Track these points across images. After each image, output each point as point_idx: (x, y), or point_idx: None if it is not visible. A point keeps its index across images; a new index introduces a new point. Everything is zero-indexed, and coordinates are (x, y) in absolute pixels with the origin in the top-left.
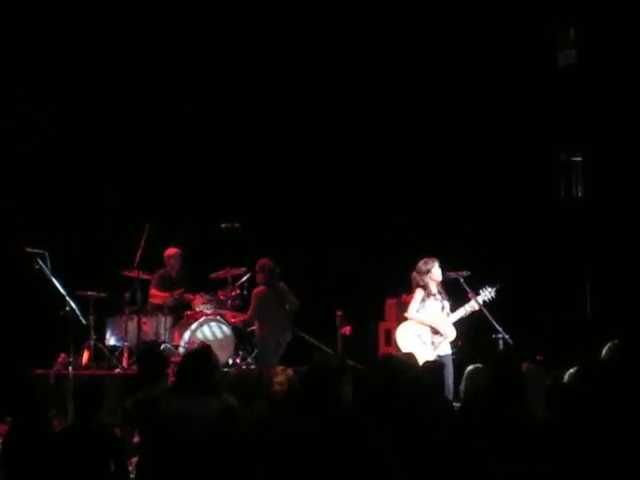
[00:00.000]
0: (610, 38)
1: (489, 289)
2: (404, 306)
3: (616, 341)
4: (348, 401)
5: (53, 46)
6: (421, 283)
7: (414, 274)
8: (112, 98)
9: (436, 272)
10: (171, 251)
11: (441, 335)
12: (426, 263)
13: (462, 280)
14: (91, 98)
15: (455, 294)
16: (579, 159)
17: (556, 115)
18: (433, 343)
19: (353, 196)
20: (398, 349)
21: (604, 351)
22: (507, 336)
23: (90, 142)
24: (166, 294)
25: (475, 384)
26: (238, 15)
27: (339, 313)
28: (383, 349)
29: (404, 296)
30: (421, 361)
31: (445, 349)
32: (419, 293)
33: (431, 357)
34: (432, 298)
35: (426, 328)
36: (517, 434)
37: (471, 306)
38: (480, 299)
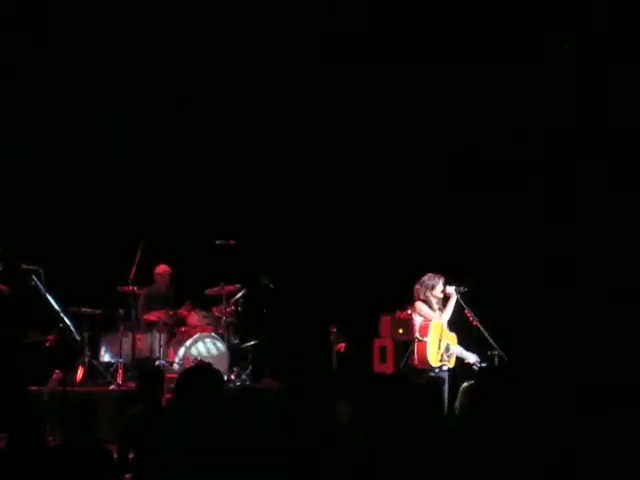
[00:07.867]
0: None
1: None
2: (398, 322)
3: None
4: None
5: (46, 62)
6: (422, 297)
7: (417, 287)
8: (106, 116)
9: (439, 289)
10: (162, 269)
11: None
12: (431, 278)
13: (459, 296)
14: (86, 116)
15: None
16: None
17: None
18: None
19: (347, 212)
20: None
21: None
22: (502, 352)
23: (84, 158)
24: (159, 312)
25: (470, 401)
26: (237, 31)
27: (333, 330)
28: (377, 366)
29: (398, 312)
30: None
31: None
32: (423, 305)
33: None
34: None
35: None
36: (510, 451)
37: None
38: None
